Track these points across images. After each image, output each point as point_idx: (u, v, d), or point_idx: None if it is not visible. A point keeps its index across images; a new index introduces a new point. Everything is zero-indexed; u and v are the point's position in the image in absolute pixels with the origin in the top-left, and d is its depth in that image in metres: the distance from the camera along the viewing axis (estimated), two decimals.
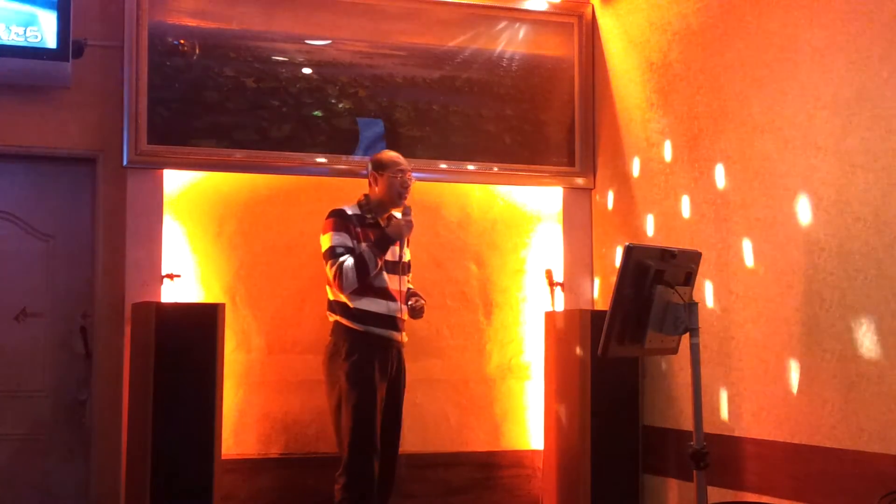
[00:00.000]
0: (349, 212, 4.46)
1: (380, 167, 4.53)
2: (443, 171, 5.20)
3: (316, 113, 4.96)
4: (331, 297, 4.47)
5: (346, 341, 4.37)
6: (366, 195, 4.54)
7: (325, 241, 4.41)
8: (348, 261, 4.32)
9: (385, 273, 4.42)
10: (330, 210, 4.47)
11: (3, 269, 4.70)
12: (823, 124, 3.96)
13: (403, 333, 4.50)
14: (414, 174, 4.77)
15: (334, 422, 4.41)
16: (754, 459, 4.23)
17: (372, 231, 4.44)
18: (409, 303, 4.51)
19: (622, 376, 4.83)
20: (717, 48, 4.55)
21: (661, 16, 4.91)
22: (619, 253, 4.99)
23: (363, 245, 4.37)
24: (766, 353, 4.20)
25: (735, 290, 4.37)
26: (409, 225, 4.46)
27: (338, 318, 4.42)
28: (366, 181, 4.67)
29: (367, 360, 4.35)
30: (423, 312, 4.54)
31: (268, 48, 4.93)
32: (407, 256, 4.61)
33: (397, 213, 4.55)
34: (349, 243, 4.37)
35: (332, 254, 4.36)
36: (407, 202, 4.53)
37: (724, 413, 4.39)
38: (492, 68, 5.30)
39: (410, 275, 4.66)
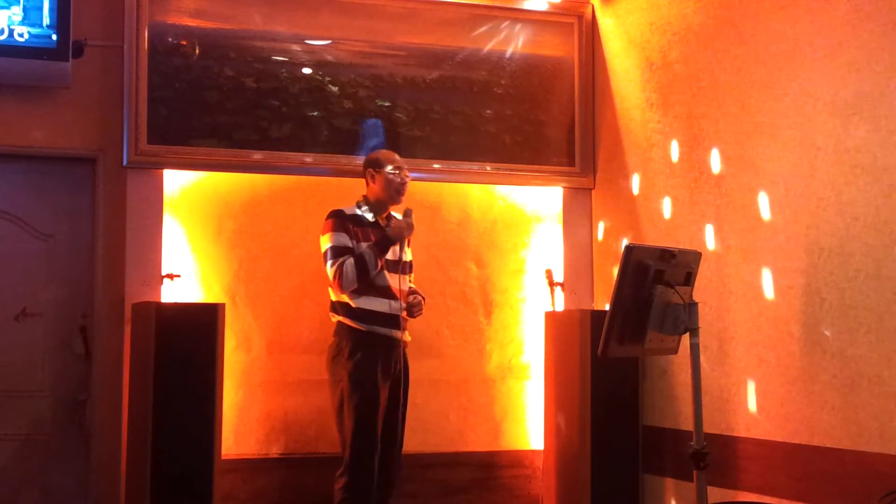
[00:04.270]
0: (348, 212, 4.49)
1: (376, 165, 4.56)
2: (443, 171, 5.20)
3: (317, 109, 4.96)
4: (333, 298, 4.49)
5: (349, 341, 4.39)
6: (364, 196, 4.57)
7: (325, 242, 4.43)
8: (348, 260, 4.34)
9: (386, 272, 4.44)
10: (329, 211, 4.49)
11: (3, 269, 4.70)
12: (823, 124, 3.96)
13: (406, 332, 4.52)
14: (414, 174, 4.78)
15: (337, 421, 4.42)
16: (754, 459, 4.22)
17: (371, 231, 4.47)
18: (409, 299, 4.53)
19: (622, 376, 4.82)
20: (717, 48, 4.55)
21: (661, 16, 4.91)
22: (618, 253, 4.99)
23: (363, 245, 4.39)
24: (766, 353, 4.20)
25: (735, 290, 4.37)
26: (410, 227, 4.49)
27: (341, 318, 4.44)
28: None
29: (371, 359, 4.37)
30: (420, 309, 4.56)
31: (268, 48, 4.93)
32: (408, 256, 4.62)
33: (396, 214, 4.57)
34: (348, 243, 4.39)
35: (332, 254, 4.38)
36: (406, 201, 4.55)
37: (724, 413, 4.39)
38: (492, 68, 5.30)
39: (412, 275, 4.67)
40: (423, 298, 4.61)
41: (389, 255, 4.44)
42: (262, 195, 4.99)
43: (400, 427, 4.49)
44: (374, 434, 4.34)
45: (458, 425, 5.21)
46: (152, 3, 4.73)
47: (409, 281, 4.62)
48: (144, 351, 4.33)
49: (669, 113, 4.84)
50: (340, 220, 4.44)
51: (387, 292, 4.44)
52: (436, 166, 5.17)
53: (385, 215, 4.56)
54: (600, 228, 5.39)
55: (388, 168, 4.53)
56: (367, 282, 4.37)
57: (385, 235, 4.44)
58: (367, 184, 4.58)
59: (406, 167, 4.59)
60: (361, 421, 4.32)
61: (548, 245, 5.42)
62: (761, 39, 4.29)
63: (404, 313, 4.50)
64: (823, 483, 3.89)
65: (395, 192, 4.53)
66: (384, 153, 4.64)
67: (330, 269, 4.37)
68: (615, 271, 3.33)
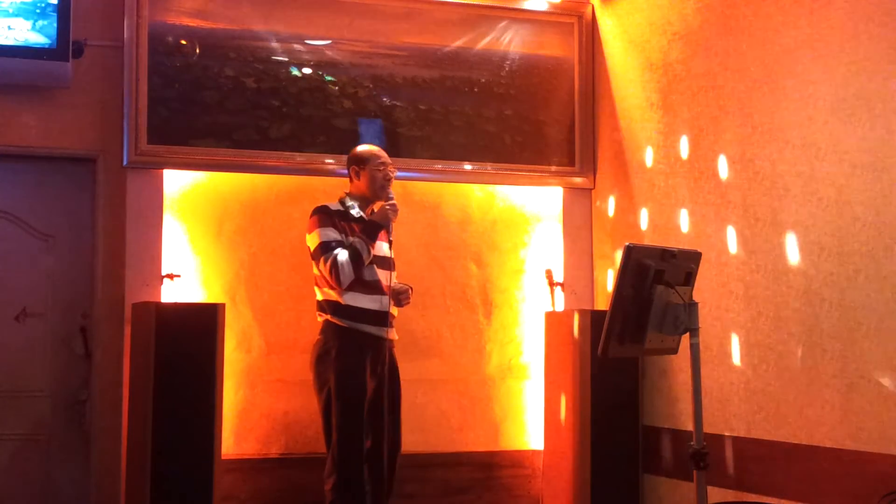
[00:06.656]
0: (332, 208, 4.43)
1: (360, 162, 4.49)
2: (443, 171, 5.19)
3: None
4: (319, 297, 4.45)
5: (336, 340, 4.34)
6: (347, 192, 4.52)
7: (314, 239, 4.37)
8: (342, 254, 4.28)
9: (375, 267, 4.40)
10: (313, 208, 4.44)
11: (3, 269, 4.70)
12: (823, 124, 3.96)
13: (394, 331, 4.47)
14: (414, 174, 4.79)
15: (323, 421, 4.39)
16: (754, 459, 4.23)
17: (357, 226, 4.41)
18: (395, 286, 4.46)
19: (622, 376, 4.83)
20: (717, 48, 4.55)
21: (661, 16, 4.91)
22: (618, 253, 4.98)
23: (352, 239, 4.36)
24: (766, 352, 4.20)
25: (735, 290, 4.37)
26: (395, 209, 4.43)
27: (328, 316, 4.38)
28: None
29: (358, 359, 4.32)
30: (408, 297, 4.49)
31: (268, 48, 4.93)
32: (391, 254, 4.57)
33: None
34: (338, 237, 4.34)
35: (324, 249, 4.31)
36: (405, 201, 4.51)
37: (724, 413, 4.39)
38: (492, 68, 5.30)
39: (395, 272, 4.62)
40: (411, 287, 4.55)
41: (377, 252, 4.39)
42: (262, 195, 4.99)
43: (397, 428, 4.47)
44: (361, 434, 4.29)
45: (458, 425, 5.21)
46: (152, 3, 4.73)
47: (393, 278, 4.58)
48: (144, 351, 4.33)
49: (669, 113, 4.84)
50: (326, 216, 4.38)
51: (376, 287, 4.38)
52: (436, 166, 5.17)
53: (369, 210, 4.51)
54: (600, 228, 5.39)
55: (373, 164, 4.47)
56: (358, 276, 4.33)
57: (371, 220, 4.39)
58: (352, 180, 4.52)
59: (391, 162, 4.54)
60: (349, 421, 4.27)
61: (548, 245, 5.42)
62: (761, 39, 4.29)
63: (394, 309, 4.47)
64: (823, 483, 3.89)
65: (379, 188, 4.45)
66: (368, 149, 4.56)
67: (324, 266, 4.30)
68: (615, 272, 3.33)
